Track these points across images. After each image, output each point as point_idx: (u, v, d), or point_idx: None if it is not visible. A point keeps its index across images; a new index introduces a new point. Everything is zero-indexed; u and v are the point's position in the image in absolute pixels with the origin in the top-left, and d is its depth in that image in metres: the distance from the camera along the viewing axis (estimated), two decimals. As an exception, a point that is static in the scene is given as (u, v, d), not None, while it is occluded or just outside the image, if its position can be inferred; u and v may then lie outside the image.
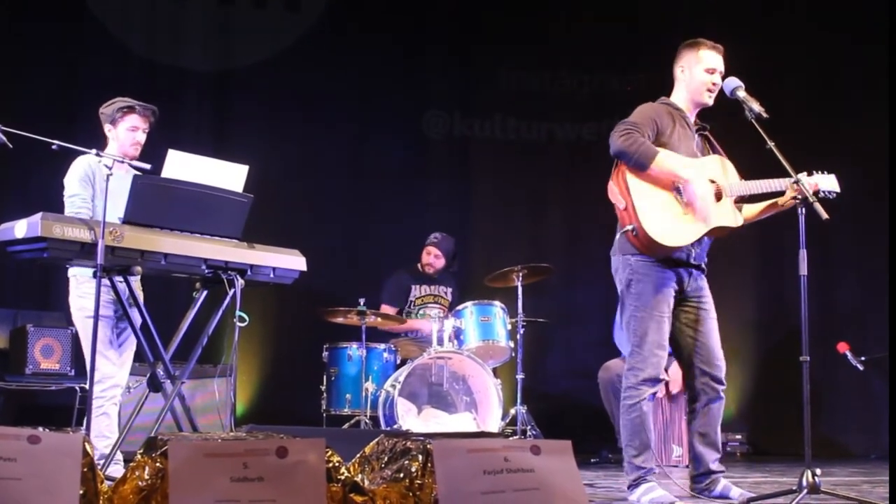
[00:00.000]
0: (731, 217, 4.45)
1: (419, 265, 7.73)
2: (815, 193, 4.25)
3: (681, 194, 4.34)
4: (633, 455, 4.40)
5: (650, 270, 4.40)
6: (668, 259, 4.41)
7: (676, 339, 4.54)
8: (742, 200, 4.58)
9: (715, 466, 4.50)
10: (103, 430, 4.75)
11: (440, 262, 7.66)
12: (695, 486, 4.53)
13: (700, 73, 4.51)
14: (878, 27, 8.08)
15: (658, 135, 4.39)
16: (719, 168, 4.51)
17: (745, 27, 8.35)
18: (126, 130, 5.01)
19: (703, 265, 4.58)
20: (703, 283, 4.57)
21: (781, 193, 4.45)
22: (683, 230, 4.34)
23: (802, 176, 4.27)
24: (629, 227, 4.31)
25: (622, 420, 4.48)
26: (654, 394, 4.48)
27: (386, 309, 7.40)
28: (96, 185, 4.85)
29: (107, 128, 5.07)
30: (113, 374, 4.84)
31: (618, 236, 4.49)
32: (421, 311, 7.60)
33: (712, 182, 4.44)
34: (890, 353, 7.39)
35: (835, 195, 4.41)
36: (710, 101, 4.52)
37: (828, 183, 4.43)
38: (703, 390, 4.51)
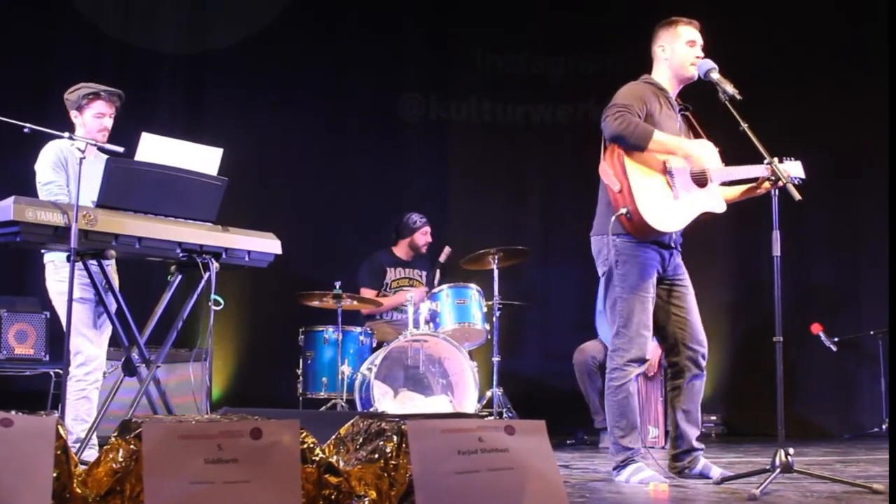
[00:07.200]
0: (716, 202, 4.48)
1: (409, 246, 7.67)
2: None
3: (673, 178, 4.36)
4: (620, 436, 4.41)
5: (635, 251, 4.40)
6: (651, 241, 4.44)
7: (659, 318, 4.53)
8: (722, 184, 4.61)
9: (696, 444, 4.53)
10: (82, 414, 4.73)
11: (430, 240, 7.69)
12: (675, 464, 4.53)
13: (682, 47, 4.55)
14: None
15: (647, 115, 4.41)
16: (706, 152, 4.53)
17: (717, 7, 8.35)
18: (92, 117, 4.98)
19: (679, 245, 4.62)
20: (680, 260, 4.60)
21: (756, 180, 4.50)
22: (675, 215, 4.35)
23: (775, 160, 4.29)
24: (623, 210, 4.29)
25: (608, 401, 4.47)
26: (639, 375, 4.50)
27: (365, 293, 7.39)
28: (69, 170, 4.81)
29: (73, 114, 5.03)
30: (97, 356, 4.84)
31: (600, 217, 4.50)
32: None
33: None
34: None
35: (800, 181, 4.43)
36: (696, 74, 4.52)
37: (794, 169, 4.46)
38: (687, 367, 4.52)
